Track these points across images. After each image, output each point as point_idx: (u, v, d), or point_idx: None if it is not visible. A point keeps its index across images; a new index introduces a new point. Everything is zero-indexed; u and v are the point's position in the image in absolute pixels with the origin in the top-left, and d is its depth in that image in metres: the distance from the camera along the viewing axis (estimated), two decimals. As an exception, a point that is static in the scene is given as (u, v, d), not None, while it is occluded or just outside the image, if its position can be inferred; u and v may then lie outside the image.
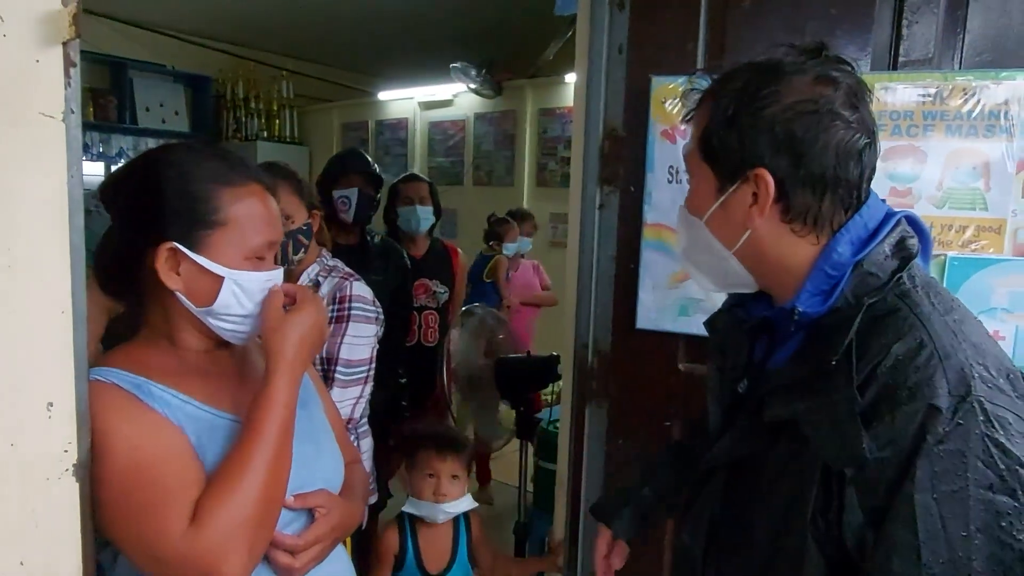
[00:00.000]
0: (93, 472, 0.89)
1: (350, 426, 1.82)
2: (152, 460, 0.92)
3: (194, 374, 1.03)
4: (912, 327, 0.78)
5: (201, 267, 0.97)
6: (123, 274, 1.01)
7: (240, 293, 0.99)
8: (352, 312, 1.83)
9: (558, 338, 1.97)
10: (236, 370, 1.10)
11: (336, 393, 1.75)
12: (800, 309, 0.86)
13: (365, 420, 1.91)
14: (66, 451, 0.84)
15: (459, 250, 3.43)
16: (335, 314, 1.82)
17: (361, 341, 1.82)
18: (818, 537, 0.80)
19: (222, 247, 0.98)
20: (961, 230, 1.46)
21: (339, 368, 1.77)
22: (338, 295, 1.84)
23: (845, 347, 0.79)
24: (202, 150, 1.04)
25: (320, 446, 1.14)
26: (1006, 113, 1.41)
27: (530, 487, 2.87)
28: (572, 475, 1.90)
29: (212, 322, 1.02)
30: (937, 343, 0.76)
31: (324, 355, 1.79)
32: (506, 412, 2.69)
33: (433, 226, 3.19)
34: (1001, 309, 1.44)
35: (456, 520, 1.77)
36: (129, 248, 1.00)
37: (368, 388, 1.83)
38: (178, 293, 0.99)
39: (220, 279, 0.98)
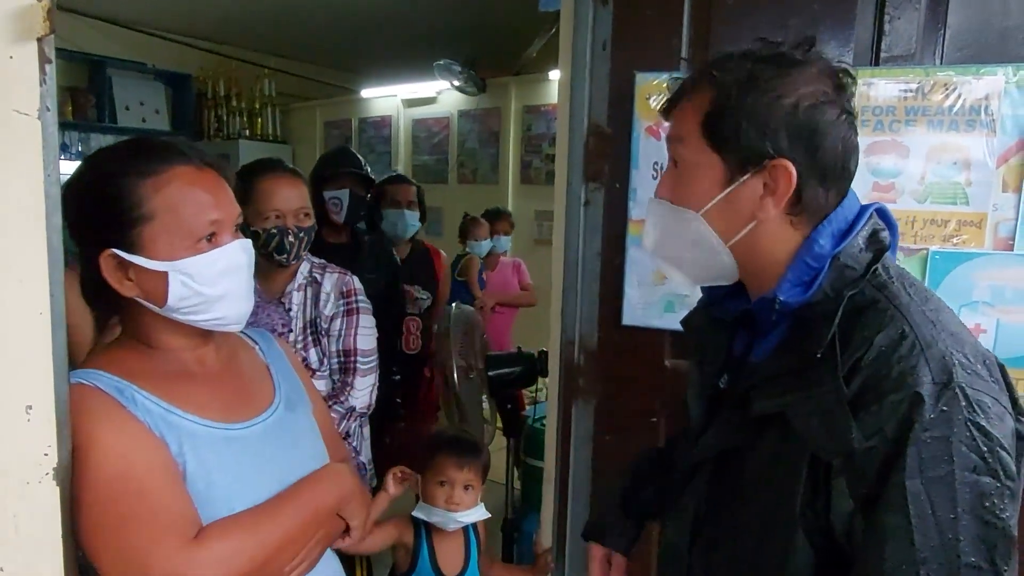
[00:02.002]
0: (75, 478, 0.88)
1: (368, 412, 1.89)
2: (139, 471, 0.91)
3: (178, 378, 1.01)
4: (892, 318, 0.79)
5: (145, 267, 0.94)
6: (97, 286, 0.98)
7: (190, 281, 0.95)
8: (359, 304, 1.89)
9: (544, 335, 1.97)
10: (222, 370, 1.08)
11: (359, 381, 1.84)
12: (781, 298, 0.86)
13: None
14: (46, 455, 0.83)
15: (441, 252, 3.35)
16: (344, 307, 1.88)
17: (369, 331, 1.90)
18: (807, 528, 0.81)
19: (157, 241, 0.95)
20: (943, 224, 1.47)
21: (359, 358, 1.86)
22: (344, 289, 1.90)
23: (829, 339, 0.80)
24: (120, 148, 1.00)
25: (305, 450, 1.13)
26: (986, 108, 1.42)
27: (516, 484, 2.87)
28: (559, 472, 1.90)
29: (183, 318, 0.99)
30: (918, 333, 0.77)
31: (342, 347, 1.86)
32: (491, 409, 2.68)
33: (416, 232, 3.12)
34: (982, 303, 1.46)
35: (466, 526, 1.75)
36: (86, 263, 0.98)
37: (378, 375, 1.90)
38: (137, 299, 0.97)
39: (164, 274, 0.95)
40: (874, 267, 0.84)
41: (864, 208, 0.89)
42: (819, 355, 0.80)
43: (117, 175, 0.95)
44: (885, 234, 0.88)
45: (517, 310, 4.31)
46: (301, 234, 1.80)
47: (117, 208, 0.94)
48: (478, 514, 1.68)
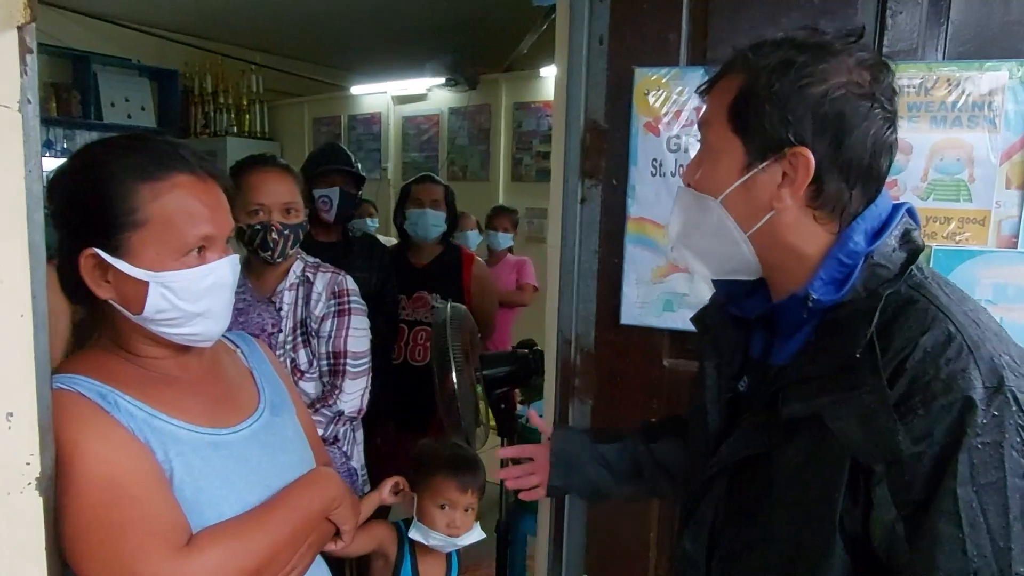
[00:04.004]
0: (59, 487, 0.84)
1: (358, 416, 1.84)
2: (126, 478, 0.87)
3: (161, 383, 0.98)
4: (935, 319, 0.77)
5: (125, 272, 0.91)
6: (74, 281, 0.94)
7: (170, 295, 0.92)
8: (352, 305, 1.83)
9: (539, 334, 1.94)
10: (205, 375, 1.05)
11: (348, 384, 1.78)
12: (815, 296, 0.83)
13: None
14: (28, 464, 0.79)
15: (477, 259, 3.07)
16: (336, 308, 1.82)
17: (362, 333, 1.84)
18: (844, 535, 0.79)
19: (145, 248, 0.91)
20: (946, 221, 1.45)
21: (348, 360, 1.80)
22: (336, 289, 1.84)
23: (868, 339, 0.77)
24: (123, 144, 0.96)
25: (291, 454, 1.10)
26: (990, 104, 1.40)
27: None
28: (556, 473, 1.87)
29: (156, 329, 0.95)
30: (964, 334, 0.75)
31: (332, 349, 1.80)
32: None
33: (446, 234, 2.92)
34: (985, 300, 1.44)
35: None
36: (65, 255, 0.94)
37: (370, 378, 1.84)
38: (112, 302, 0.94)
39: (145, 284, 0.91)
40: (909, 267, 0.82)
41: (896, 207, 0.86)
42: (858, 355, 0.77)
43: (115, 175, 0.91)
44: (918, 233, 0.86)
45: (515, 310, 4.15)
46: (286, 231, 1.75)
47: (109, 209, 0.90)
48: (475, 536, 1.60)
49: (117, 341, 0.99)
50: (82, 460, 0.85)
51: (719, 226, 0.89)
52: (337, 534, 1.15)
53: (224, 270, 0.97)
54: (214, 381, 1.06)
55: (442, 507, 1.55)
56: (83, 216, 0.92)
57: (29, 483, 0.79)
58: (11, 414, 0.77)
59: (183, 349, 1.01)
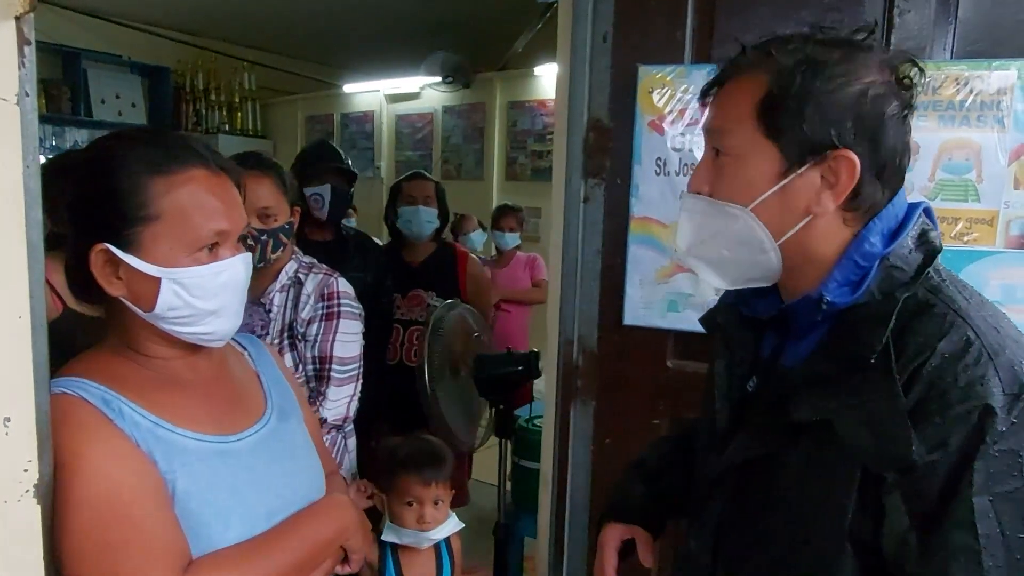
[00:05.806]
0: (58, 500, 0.81)
1: (345, 424, 1.78)
2: (127, 494, 0.84)
3: (167, 387, 0.95)
4: (953, 324, 0.75)
5: (137, 268, 0.88)
6: (83, 280, 0.92)
7: (183, 292, 0.90)
8: (341, 309, 1.77)
9: (540, 334, 1.92)
10: (213, 378, 1.02)
11: (332, 392, 1.72)
12: (828, 299, 0.81)
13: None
14: (26, 471, 0.76)
15: (471, 255, 3.06)
16: (324, 311, 1.76)
17: (352, 338, 1.77)
18: (854, 543, 0.77)
19: (157, 244, 0.89)
20: (953, 222, 1.44)
21: (334, 366, 1.73)
22: (325, 291, 1.77)
23: (883, 344, 0.75)
24: (134, 138, 0.94)
25: (299, 462, 1.07)
26: (999, 103, 1.39)
27: (507, 485, 2.81)
28: (557, 475, 1.86)
29: (168, 327, 0.92)
30: (984, 340, 0.73)
31: (317, 354, 1.74)
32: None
33: (439, 231, 2.90)
34: (993, 302, 1.42)
35: (438, 541, 1.67)
36: (72, 252, 0.92)
37: (359, 385, 1.78)
38: (123, 299, 0.91)
39: (157, 280, 0.89)
40: (926, 269, 0.80)
41: (913, 206, 0.84)
42: (872, 360, 0.75)
43: (127, 168, 0.89)
44: (935, 234, 0.84)
45: (530, 308, 4.10)
46: (263, 236, 1.68)
47: (121, 203, 0.88)
48: (451, 527, 1.59)
49: (126, 341, 0.96)
50: (82, 474, 0.82)
51: (746, 235, 0.84)
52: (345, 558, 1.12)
53: (238, 267, 0.95)
54: (223, 384, 1.03)
55: (409, 504, 1.55)
56: (94, 210, 0.89)
57: (27, 490, 0.76)
58: (8, 419, 0.74)
59: (194, 349, 0.98)
